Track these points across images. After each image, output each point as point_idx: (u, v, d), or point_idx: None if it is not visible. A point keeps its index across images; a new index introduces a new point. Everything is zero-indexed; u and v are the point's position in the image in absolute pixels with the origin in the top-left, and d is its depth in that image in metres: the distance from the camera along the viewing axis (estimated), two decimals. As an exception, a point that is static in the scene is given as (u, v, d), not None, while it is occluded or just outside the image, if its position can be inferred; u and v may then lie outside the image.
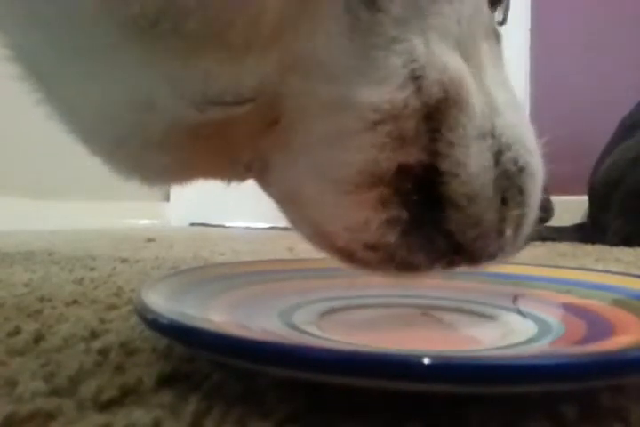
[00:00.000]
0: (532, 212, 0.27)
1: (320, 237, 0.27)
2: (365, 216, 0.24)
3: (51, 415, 0.19)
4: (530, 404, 0.20)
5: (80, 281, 0.53)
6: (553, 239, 1.32)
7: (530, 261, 0.43)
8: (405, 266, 0.26)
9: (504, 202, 0.25)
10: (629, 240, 1.20)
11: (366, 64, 0.22)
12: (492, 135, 0.25)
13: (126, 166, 0.27)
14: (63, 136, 0.27)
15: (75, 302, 0.41)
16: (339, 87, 0.22)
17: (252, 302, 0.31)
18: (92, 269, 0.65)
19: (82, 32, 0.22)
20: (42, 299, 0.42)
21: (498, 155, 0.25)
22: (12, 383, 0.22)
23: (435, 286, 0.37)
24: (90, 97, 0.24)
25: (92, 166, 0.30)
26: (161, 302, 0.25)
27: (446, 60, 0.23)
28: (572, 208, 1.61)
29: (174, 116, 0.23)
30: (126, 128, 0.24)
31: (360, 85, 0.22)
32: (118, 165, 0.27)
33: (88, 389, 0.21)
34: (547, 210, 0.28)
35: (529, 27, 1.97)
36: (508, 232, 0.26)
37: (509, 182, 0.25)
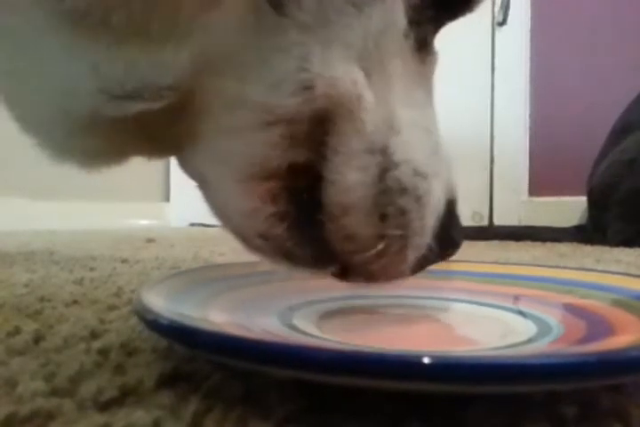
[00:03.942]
0: (419, 237, 0.26)
1: (221, 219, 0.29)
2: (255, 206, 0.25)
3: (51, 415, 0.19)
4: (530, 404, 0.20)
5: (80, 281, 0.53)
6: (553, 240, 1.32)
7: (530, 261, 0.43)
8: (295, 260, 0.27)
9: (383, 219, 0.25)
10: (629, 241, 1.21)
11: (265, 66, 0.23)
12: (383, 152, 0.25)
13: (56, 149, 0.28)
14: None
15: (75, 302, 0.41)
16: (240, 85, 0.23)
17: (252, 303, 0.31)
18: (92, 269, 0.65)
19: (20, 18, 0.23)
20: (42, 299, 0.42)
21: (384, 172, 0.25)
22: (12, 383, 0.22)
23: (433, 286, 0.37)
24: (25, 79, 0.26)
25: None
26: (161, 302, 0.25)
27: (340, 74, 0.23)
28: (571, 209, 1.61)
29: (94, 107, 0.24)
30: (53, 113, 0.25)
31: (257, 86, 0.23)
32: (50, 148, 0.28)
33: (88, 389, 0.21)
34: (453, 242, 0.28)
35: (529, 27, 1.97)
36: (389, 251, 0.25)
37: (389, 200, 0.25)
